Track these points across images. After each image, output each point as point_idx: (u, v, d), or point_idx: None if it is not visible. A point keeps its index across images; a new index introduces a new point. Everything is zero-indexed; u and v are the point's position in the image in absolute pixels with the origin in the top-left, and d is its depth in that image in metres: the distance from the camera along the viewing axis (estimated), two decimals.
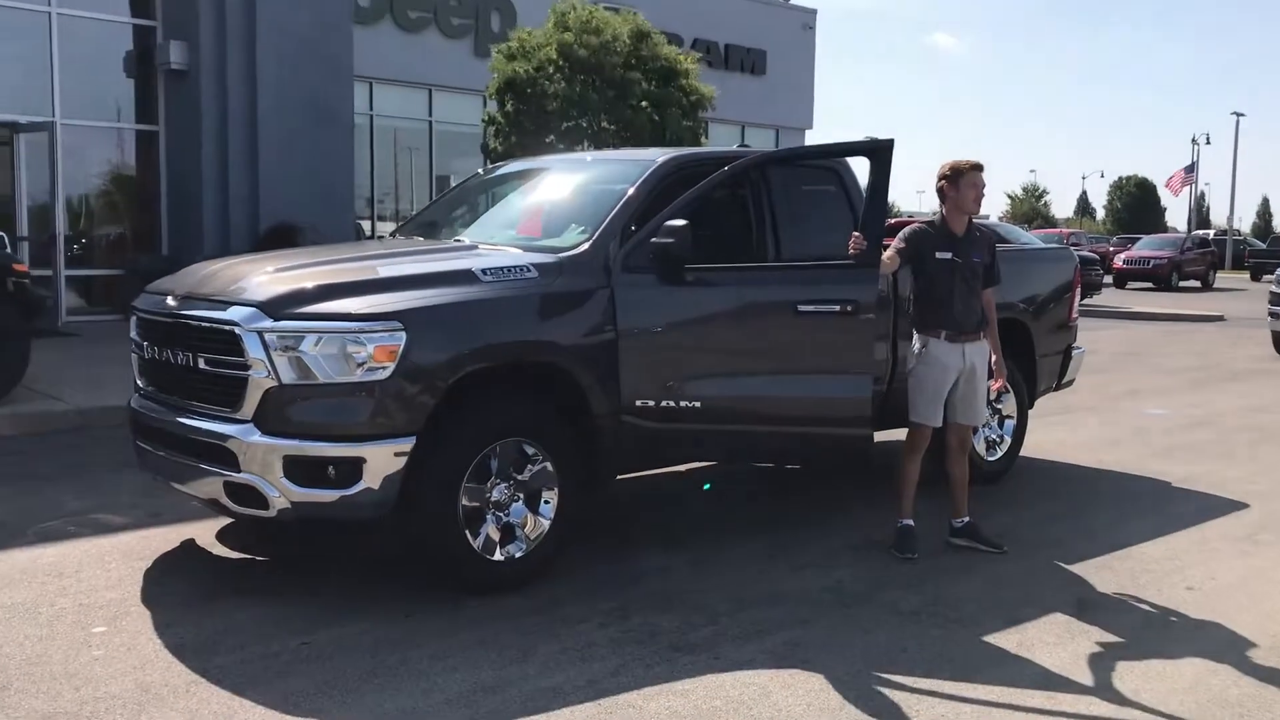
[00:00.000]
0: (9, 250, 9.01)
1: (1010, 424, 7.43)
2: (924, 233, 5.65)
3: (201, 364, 4.84)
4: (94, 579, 5.08)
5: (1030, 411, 7.64)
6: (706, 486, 7.27)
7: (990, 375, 5.88)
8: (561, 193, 6.22)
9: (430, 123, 22.15)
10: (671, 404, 5.27)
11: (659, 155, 5.87)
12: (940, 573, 5.42)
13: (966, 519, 5.88)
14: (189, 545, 5.64)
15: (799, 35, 29.41)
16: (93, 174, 16.50)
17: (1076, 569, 5.53)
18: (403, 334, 4.59)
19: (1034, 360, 7.55)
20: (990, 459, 7.30)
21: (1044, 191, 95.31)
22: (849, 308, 5.27)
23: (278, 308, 4.65)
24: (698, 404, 5.28)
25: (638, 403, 5.25)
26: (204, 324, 4.81)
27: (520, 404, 5.04)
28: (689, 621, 4.67)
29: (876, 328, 5.44)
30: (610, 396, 5.20)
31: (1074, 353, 7.99)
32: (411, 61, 21.02)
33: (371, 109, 21.01)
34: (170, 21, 16.02)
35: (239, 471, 4.65)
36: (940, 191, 5.66)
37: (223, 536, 5.76)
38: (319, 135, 16.04)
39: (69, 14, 15.40)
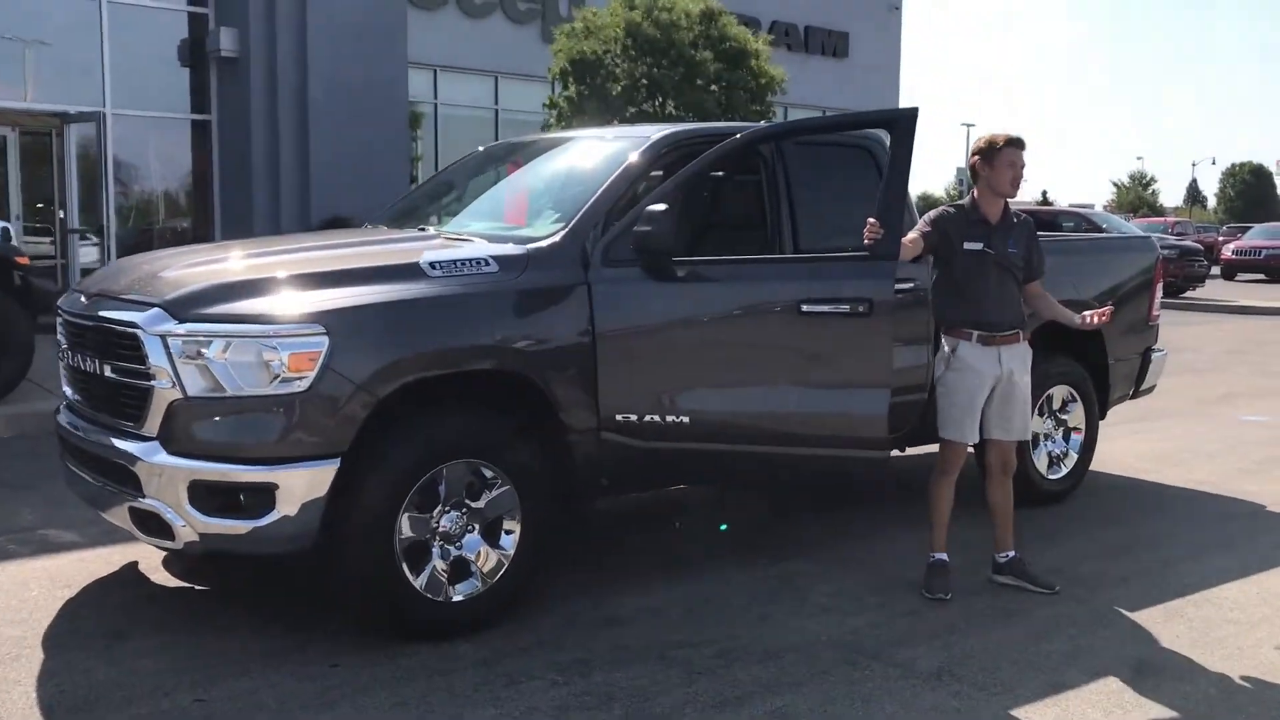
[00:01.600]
0: (13, 243, 8.58)
1: (1077, 438, 6.52)
2: (952, 217, 4.82)
3: (108, 371, 4.24)
4: (3, 610, 4.52)
5: (1102, 422, 6.74)
6: None
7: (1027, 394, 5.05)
8: (549, 176, 5.51)
9: (497, 111, 21.66)
10: (657, 419, 4.54)
11: (654, 132, 5.12)
12: (975, 620, 4.59)
13: (1012, 553, 5.04)
14: (128, 571, 5.07)
15: (884, 17, 28.34)
16: (145, 165, 16.29)
17: (1141, 617, 4.66)
18: (324, 339, 3.93)
19: (1106, 365, 6.64)
20: (1052, 477, 6.42)
21: (1151, 179, 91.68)
22: (861, 307, 4.47)
23: (184, 308, 4.02)
24: (686, 419, 4.54)
25: (619, 417, 4.53)
26: (107, 325, 4.22)
27: (474, 419, 4.34)
28: (660, 681, 3.93)
29: (894, 331, 4.62)
30: (586, 410, 4.50)
31: (1154, 356, 7.03)
32: (476, 48, 20.55)
33: (436, 97, 20.60)
34: (222, 8, 15.68)
35: (144, 496, 4.05)
36: (973, 170, 4.84)
37: (169, 561, 5.17)
38: (373, 123, 15.56)
39: (120, 1, 15.14)
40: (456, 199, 5.92)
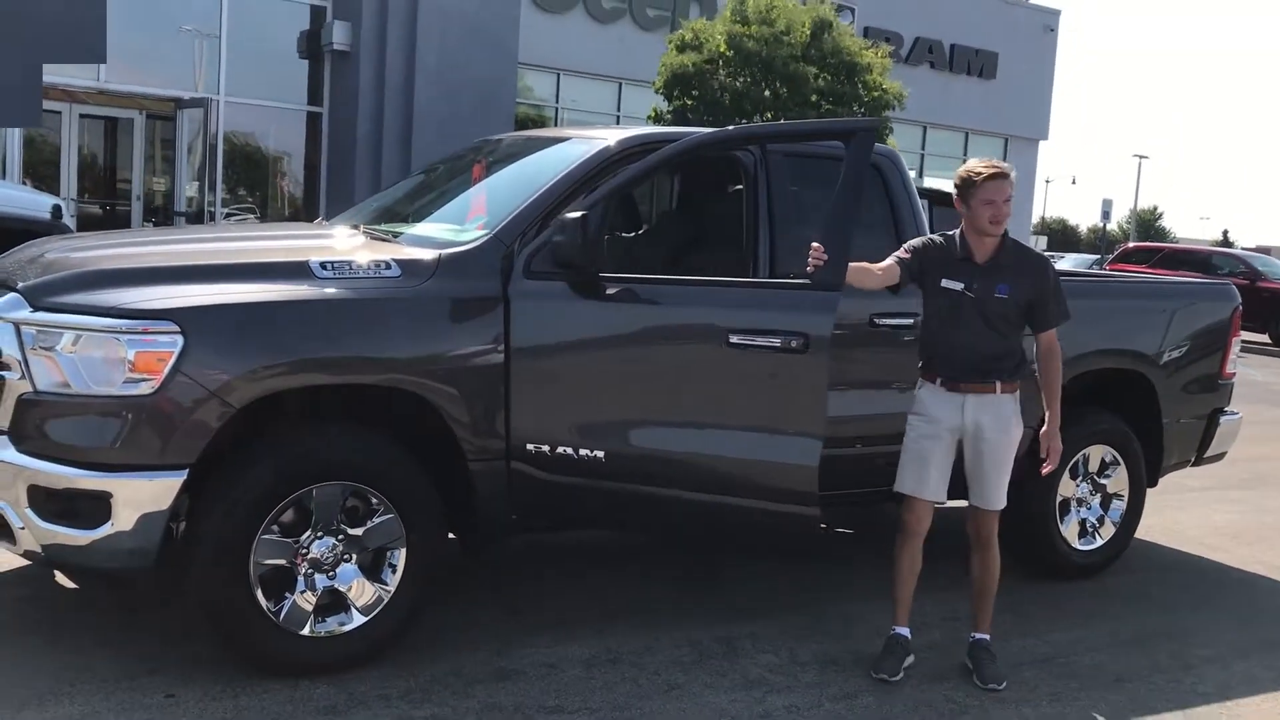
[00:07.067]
0: (64, 220, 8.61)
1: (1118, 505, 5.75)
2: (935, 248, 4.18)
3: None
4: None
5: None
6: None
7: (1032, 453, 4.36)
8: (508, 177, 5.07)
9: (619, 117, 21.34)
10: (569, 452, 4.06)
11: (616, 135, 4.64)
12: (917, 714, 3.96)
13: (985, 636, 4.39)
14: (40, 572, 4.81)
15: (1038, 38, 27.03)
16: (255, 152, 16.52)
17: None
18: (178, 338, 3.58)
19: (1159, 425, 5.85)
20: (1083, 548, 5.66)
21: None
22: (794, 343, 3.89)
23: (40, 294, 3.72)
24: (601, 455, 4.05)
25: (530, 447, 4.07)
26: None
27: (352, 438, 3.93)
28: None
29: (832, 372, 4.01)
30: (493, 436, 4.05)
31: (1223, 419, 6.17)
32: (602, 53, 20.27)
33: (558, 101, 20.41)
34: (339, 1, 15.79)
35: None
36: (956, 202, 4.20)
37: None
38: (478, 122, 15.42)
39: None
40: (436, 196, 5.53)
